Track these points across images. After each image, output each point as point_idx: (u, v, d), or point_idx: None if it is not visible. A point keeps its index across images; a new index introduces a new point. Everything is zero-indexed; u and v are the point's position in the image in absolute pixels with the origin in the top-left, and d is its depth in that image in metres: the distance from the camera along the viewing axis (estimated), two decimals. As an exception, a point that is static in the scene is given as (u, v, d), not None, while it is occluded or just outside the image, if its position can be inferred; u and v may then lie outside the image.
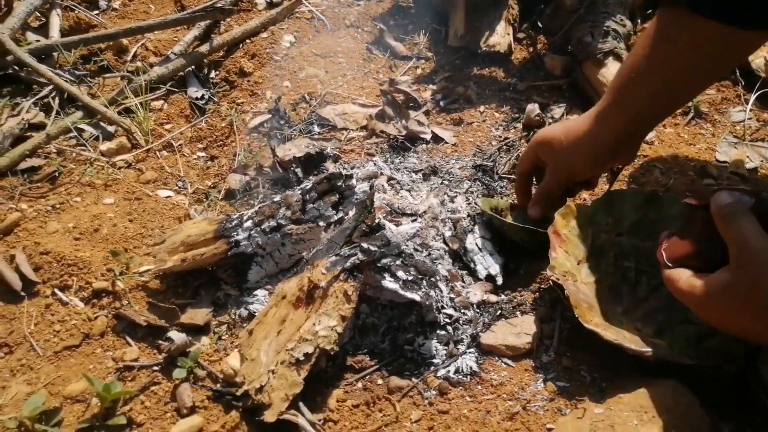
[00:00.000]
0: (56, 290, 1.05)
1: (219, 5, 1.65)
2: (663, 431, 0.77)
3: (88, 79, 1.53)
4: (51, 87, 1.45)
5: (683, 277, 0.77)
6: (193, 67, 1.60)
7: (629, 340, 0.88)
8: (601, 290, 0.99)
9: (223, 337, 1.01)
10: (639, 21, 1.70)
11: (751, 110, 1.42)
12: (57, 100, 1.42)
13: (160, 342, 0.99)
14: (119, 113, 1.43)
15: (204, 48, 1.61)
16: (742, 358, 0.84)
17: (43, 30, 1.64)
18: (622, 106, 0.92)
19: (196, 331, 1.02)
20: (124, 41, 1.62)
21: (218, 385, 0.93)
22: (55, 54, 1.55)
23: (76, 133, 1.35)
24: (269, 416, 0.83)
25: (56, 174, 1.27)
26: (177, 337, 0.97)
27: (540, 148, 1.01)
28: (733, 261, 0.71)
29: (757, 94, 1.41)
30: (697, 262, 0.78)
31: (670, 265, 0.80)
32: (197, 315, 1.03)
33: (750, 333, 0.73)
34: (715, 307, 0.73)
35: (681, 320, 0.92)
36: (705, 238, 0.77)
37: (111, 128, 1.40)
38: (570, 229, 1.03)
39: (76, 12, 1.70)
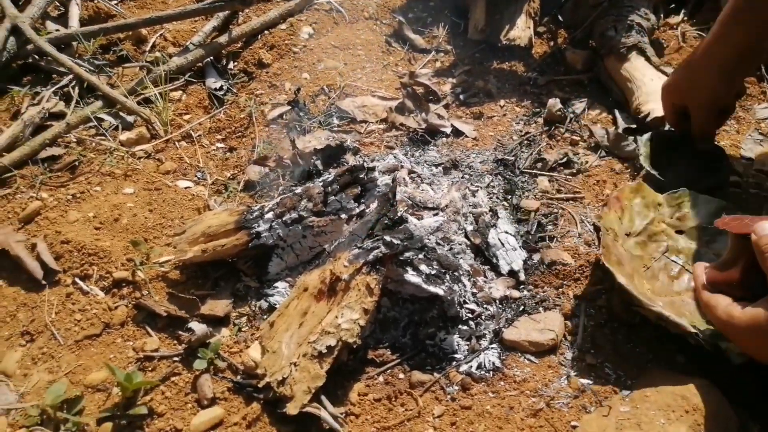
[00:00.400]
0: (77, 279, 1.05)
1: (238, -4, 1.64)
2: (690, 429, 0.76)
3: (108, 68, 1.53)
4: (71, 76, 1.44)
5: (722, 305, 0.75)
6: (211, 57, 1.60)
7: (640, 293, 0.88)
8: (638, 265, 0.99)
9: (244, 329, 1.01)
10: (662, 15, 1.67)
11: (776, 107, 1.39)
12: (77, 90, 1.42)
13: (181, 333, 0.99)
14: (138, 103, 1.43)
15: (223, 39, 1.60)
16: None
17: (63, 19, 1.63)
18: (741, 23, 0.99)
19: (216, 322, 1.01)
20: (143, 31, 1.62)
21: (239, 377, 0.93)
22: (74, 43, 1.54)
23: (95, 123, 1.35)
24: (291, 409, 0.82)
25: (76, 163, 1.27)
26: (197, 327, 0.97)
27: (671, 96, 1.12)
28: None
29: (783, 91, 1.39)
30: (737, 290, 0.76)
31: (708, 288, 0.79)
32: (217, 306, 1.02)
33: None
34: (752, 338, 0.72)
35: (704, 320, 0.91)
36: (748, 266, 0.75)
37: (130, 118, 1.39)
38: (633, 204, 1.05)
39: (96, 1, 1.70)
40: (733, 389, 0.83)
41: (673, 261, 1.00)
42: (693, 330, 0.83)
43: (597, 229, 0.98)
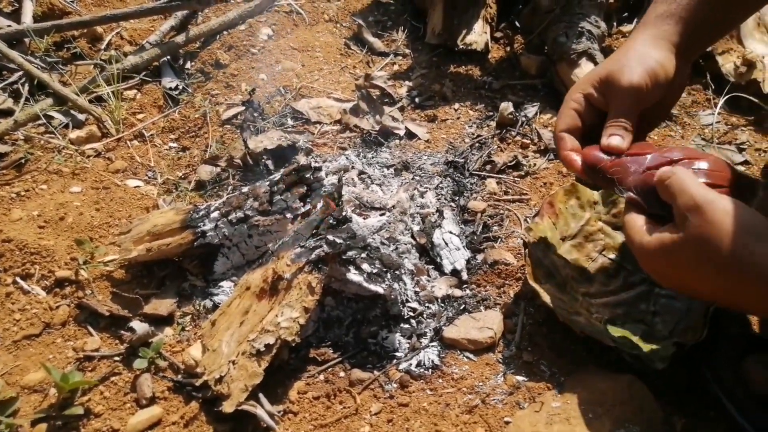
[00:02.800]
0: (18, 279, 1.03)
1: (197, -4, 1.63)
2: (616, 423, 0.78)
3: (60, 66, 1.51)
4: (21, 73, 1.42)
5: (637, 226, 0.75)
6: (168, 57, 1.59)
7: (564, 309, 0.91)
8: (575, 270, 1.01)
9: (187, 328, 1.01)
10: (615, 23, 1.72)
11: (719, 113, 1.44)
12: (27, 87, 1.40)
13: (123, 332, 0.98)
14: (90, 102, 1.41)
15: (180, 38, 1.59)
16: (669, 359, 0.84)
17: (15, 15, 1.61)
18: (680, 22, 0.86)
19: (160, 321, 1.01)
20: (99, 29, 1.60)
21: (179, 376, 0.93)
22: (26, 40, 1.52)
23: (45, 121, 1.34)
24: (227, 407, 0.83)
25: (23, 161, 1.25)
26: (139, 327, 0.97)
27: (599, 87, 0.87)
28: (679, 219, 0.70)
29: (725, 98, 1.43)
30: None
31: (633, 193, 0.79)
32: (161, 305, 1.02)
33: (699, 292, 0.72)
34: (657, 263, 0.73)
35: (636, 320, 0.94)
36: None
37: (81, 116, 1.38)
38: (567, 206, 1.06)
39: (50, -2, 1.67)
40: (661, 384, 0.86)
41: (610, 259, 1.02)
42: (612, 344, 0.86)
43: (525, 245, 0.99)
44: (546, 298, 0.91)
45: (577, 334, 0.89)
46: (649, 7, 0.91)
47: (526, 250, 0.97)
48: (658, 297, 0.96)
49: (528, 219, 1.15)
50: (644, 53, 0.86)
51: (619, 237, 1.04)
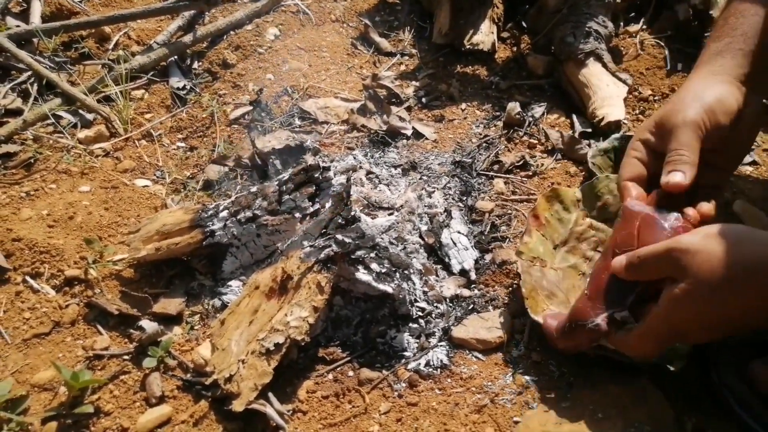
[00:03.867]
0: (27, 277, 1.04)
1: (204, -4, 1.63)
2: (627, 423, 0.78)
3: (68, 66, 1.52)
4: (30, 73, 1.43)
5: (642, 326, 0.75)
6: (175, 57, 1.59)
7: None
8: (573, 276, 1.00)
9: (196, 327, 1.01)
10: (622, 23, 1.71)
11: None
12: (35, 87, 1.41)
13: (132, 331, 0.99)
14: (99, 101, 1.42)
15: (187, 38, 1.60)
16: (685, 358, 0.85)
17: (24, 15, 1.62)
18: (738, 54, 0.83)
19: (169, 320, 1.01)
20: (107, 29, 1.61)
21: (188, 375, 0.93)
22: (35, 40, 1.53)
23: (53, 120, 1.34)
24: (237, 405, 0.83)
25: (32, 161, 1.26)
26: (148, 326, 0.97)
27: (656, 131, 0.83)
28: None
29: None
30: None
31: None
32: (170, 304, 1.02)
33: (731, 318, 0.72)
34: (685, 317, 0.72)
35: None
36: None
37: (90, 116, 1.38)
38: (552, 212, 1.04)
39: (59, -2, 1.68)
40: (672, 388, 0.86)
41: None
42: (626, 361, 0.86)
43: (518, 276, 0.96)
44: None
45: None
46: (702, 51, 0.87)
47: (521, 280, 0.94)
48: None
49: (524, 214, 1.14)
50: (700, 90, 0.81)
51: (609, 229, 1.02)
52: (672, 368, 0.84)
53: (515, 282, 1.04)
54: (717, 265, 0.67)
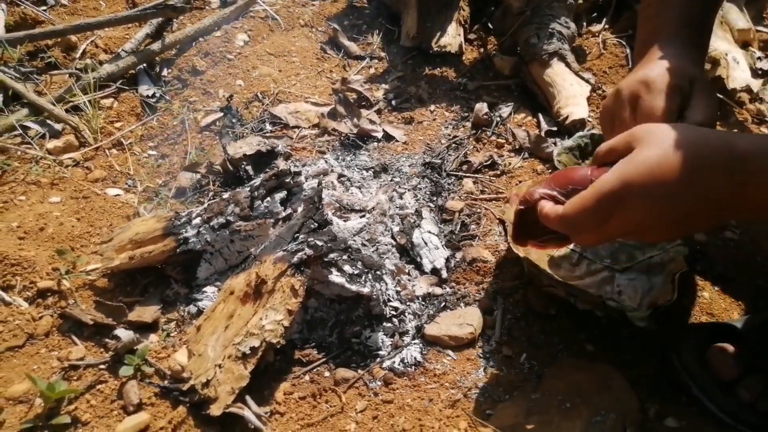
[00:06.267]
0: (-1, 290, 1.03)
1: (171, 3, 1.63)
2: (592, 411, 0.81)
3: (35, 76, 1.51)
4: (-6, 84, 1.41)
5: (578, 197, 0.72)
6: (144, 65, 1.59)
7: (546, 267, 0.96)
8: (542, 255, 1.05)
9: (172, 334, 1.01)
10: (585, 23, 1.76)
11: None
12: (1, 97, 1.39)
13: (107, 340, 0.99)
14: (67, 111, 1.41)
15: (156, 46, 1.60)
16: (647, 319, 0.88)
17: (-13, 26, 1.60)
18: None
19: (145, 328, 1.01)
20: (73, 38, 1.60)
21: (166, 382, 0.93)
22: (-1, 50, 1.51)
23: (21, 131, 1.33)
24: (215, 410, 0.84)
25: None
26: (124, 334, 0.97)
27: (641, 87, 0.84)
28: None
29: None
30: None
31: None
32: (146, 312, 1.03)
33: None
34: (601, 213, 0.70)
35: (606, 299, 0.98)
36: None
37: (58, 126, 1.37)
38: None
39: (22, 7, 1.66)
40: (635, 375, 0.90)
41: (572, 250, 1.06)
42: (599, 299, 0.89)
43: (502, 222, 1.03)
44: (533, 256, 0.95)
45: (561, 298, 0.93)
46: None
47: (504, 226, 1.00)
48: (619, 280, 1.01)
49: (493, 212, 1.18)
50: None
51: None
52: (639, 326, 0.87)
53: (485, 278, 1.07)
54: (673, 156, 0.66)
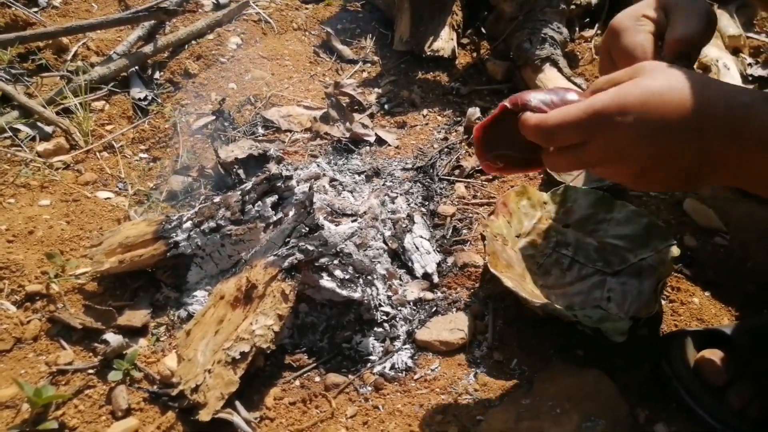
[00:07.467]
0: (-14, 294, 1.02)
1: (164, 5, 1.63)
2: (582, 417, 0.81)
3: (25, 78, 1.50)
4: (-16, 86, 1.40)
5: (564, 109, 0.69)
6: (136, 67, 1.59)
7: (526, 292, 0.94)
8: (532, 264, 1.06)
9: (162, 339, 1.01)
10: (577, 29, 1.77)
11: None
12: (-9, 100, 1.39)
13: (96, 345, 0.98)
14: (58, 113, 1.40)
15: (148, 48, 1.59)
16: (626, 333, 0.87)
17: (-22, 27, 1.59)
18: None
19: (134, 333, 1.01)
20: (64, 40, 1.59)
21: (155, 387, 0.93)
22: (-11, 52, 1.50)
23: (11, 133, 1.32)
24: (204, 415, 0.83)
25: (-11, 175, 1.24)
26: (113, 339, 0.96)
27: (624, 19, 0.80)
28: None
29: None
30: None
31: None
32: (135, 317, 1.02)
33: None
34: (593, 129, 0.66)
35: (593, 306, 0.99)
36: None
37: (49, 129, 1.37)
38: (520, 206, 1.11)
39: (13, 9, 1.65)
40: (626, 380, 0.90)
41: (563, 254, 1.07)
42: (574, 318, 0.90)
43: (483, 237, 1.04)
44: (508, 283, 0.93)
45: (540, 316, 0.94)
46: None
47: (485, 242, 1.01)
48: (610, 284, 1.02)
49: (484, 216, 1.18)
50: None
51: (570, 234, 1.09)
52: (616, 341, 0.87)
53: (477, 283, 1.07)
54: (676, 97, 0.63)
